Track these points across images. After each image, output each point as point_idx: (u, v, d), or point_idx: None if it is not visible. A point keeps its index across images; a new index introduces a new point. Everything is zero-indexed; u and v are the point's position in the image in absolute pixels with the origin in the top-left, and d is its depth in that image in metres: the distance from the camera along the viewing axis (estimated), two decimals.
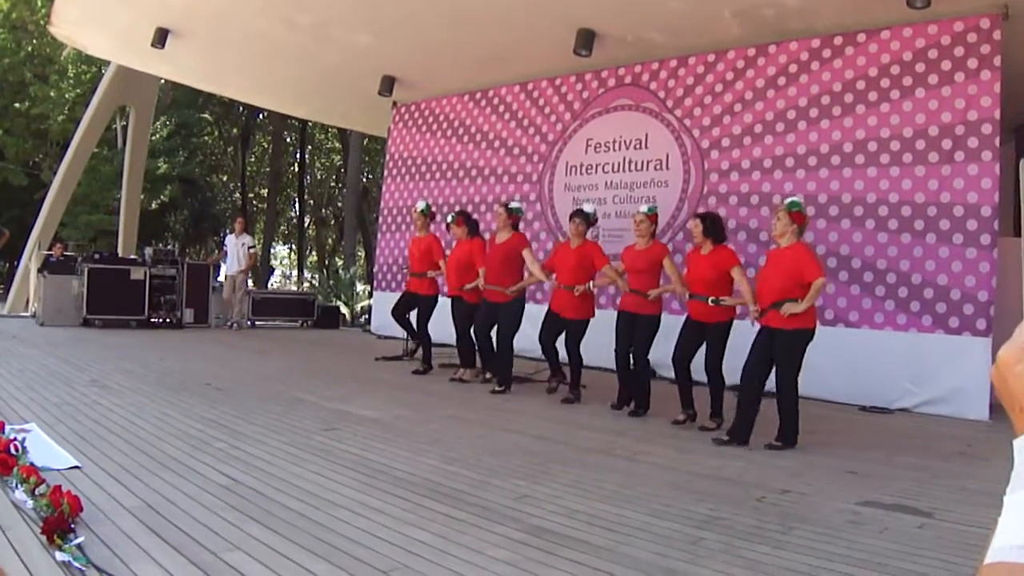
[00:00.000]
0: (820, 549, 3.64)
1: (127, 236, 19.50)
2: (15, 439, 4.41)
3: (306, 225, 38.13)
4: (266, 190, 35.48)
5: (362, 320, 18.95)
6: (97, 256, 14.31)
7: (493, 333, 8.71)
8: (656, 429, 6.80)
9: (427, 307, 9.81)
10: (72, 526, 3.22)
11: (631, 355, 7.53)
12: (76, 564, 2.92)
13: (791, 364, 6.15)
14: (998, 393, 0.88)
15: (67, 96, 27.42)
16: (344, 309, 19.29)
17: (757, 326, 6.40)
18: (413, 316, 9.94)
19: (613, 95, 11.54)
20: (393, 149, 14.98)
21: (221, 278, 15.38)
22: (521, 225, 9.18)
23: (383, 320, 13.31)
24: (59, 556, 2.98)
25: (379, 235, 15.22)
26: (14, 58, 27.69)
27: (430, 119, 14.26)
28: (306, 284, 34.16)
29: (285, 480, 4.43)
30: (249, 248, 14.79)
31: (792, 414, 6.13)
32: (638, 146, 11.13)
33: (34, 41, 28.19)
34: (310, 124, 32.34)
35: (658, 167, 10.89)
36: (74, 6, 12.20)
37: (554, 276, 8.25)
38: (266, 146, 36.84)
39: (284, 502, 4.00)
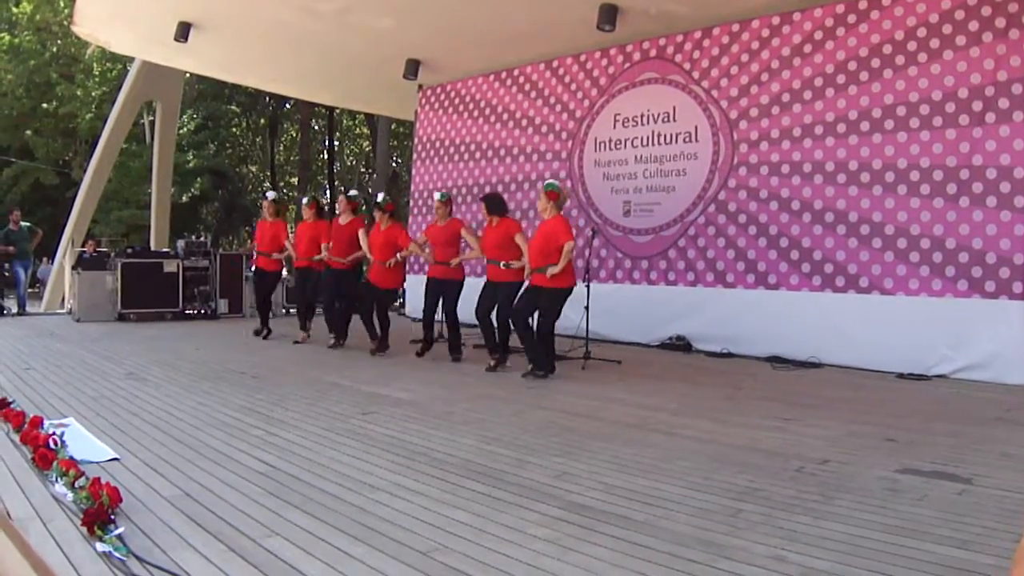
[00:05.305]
0: (859, 518, 3.61)
1: (159, 230, 19.68)
2: (54, 433, 4.47)
3: (337, 212, 38.21)
4: (296, 178, 35.67)
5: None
6: (130, 251, 14.47)
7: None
8: (692, 402, 6.76)
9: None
10: (112, 517, 3.25)
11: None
12: (117, 554, 2.95)
13: (551, 314, 7.93)
14: None
15: (93, 94, 27.68)
16: None
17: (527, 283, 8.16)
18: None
19: (639, 69, 11.46)
20: (421, 132, 14.99)
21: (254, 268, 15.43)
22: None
23: (416, 303, 13.34)
24: (100, 547, 3.01)
25: (410, 218, 15.21)
26: (40, 59, 28.00)
27: (456, 101, 14.24)
28: None
29: (322, 465, 4.45)
30: None
31: (551, 350, 8.09)
32: (667, 119, 11.05)
33: (58, 41, 28.49)
34: (337, 111, 32.45)
35: (687, 139, 10.81)
36: (96, 3, 12.24)
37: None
38: (294, 135, 37.03)
39: (322, 487, 4.02)
